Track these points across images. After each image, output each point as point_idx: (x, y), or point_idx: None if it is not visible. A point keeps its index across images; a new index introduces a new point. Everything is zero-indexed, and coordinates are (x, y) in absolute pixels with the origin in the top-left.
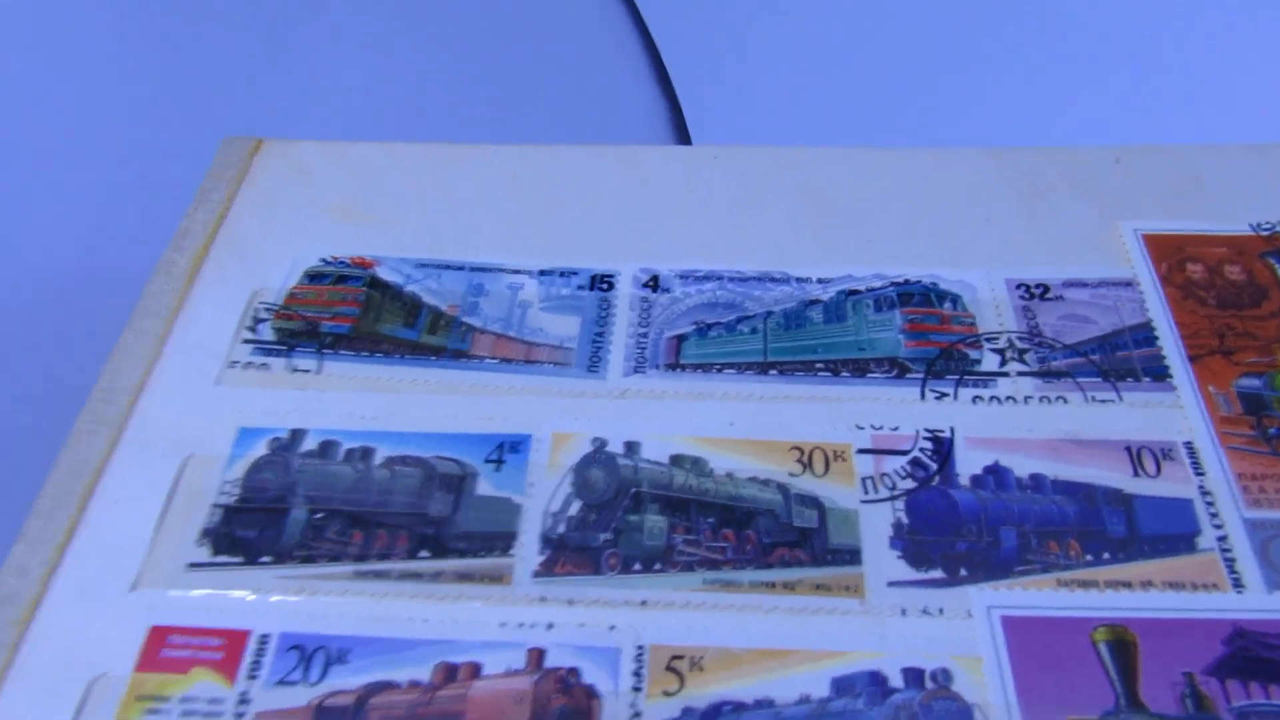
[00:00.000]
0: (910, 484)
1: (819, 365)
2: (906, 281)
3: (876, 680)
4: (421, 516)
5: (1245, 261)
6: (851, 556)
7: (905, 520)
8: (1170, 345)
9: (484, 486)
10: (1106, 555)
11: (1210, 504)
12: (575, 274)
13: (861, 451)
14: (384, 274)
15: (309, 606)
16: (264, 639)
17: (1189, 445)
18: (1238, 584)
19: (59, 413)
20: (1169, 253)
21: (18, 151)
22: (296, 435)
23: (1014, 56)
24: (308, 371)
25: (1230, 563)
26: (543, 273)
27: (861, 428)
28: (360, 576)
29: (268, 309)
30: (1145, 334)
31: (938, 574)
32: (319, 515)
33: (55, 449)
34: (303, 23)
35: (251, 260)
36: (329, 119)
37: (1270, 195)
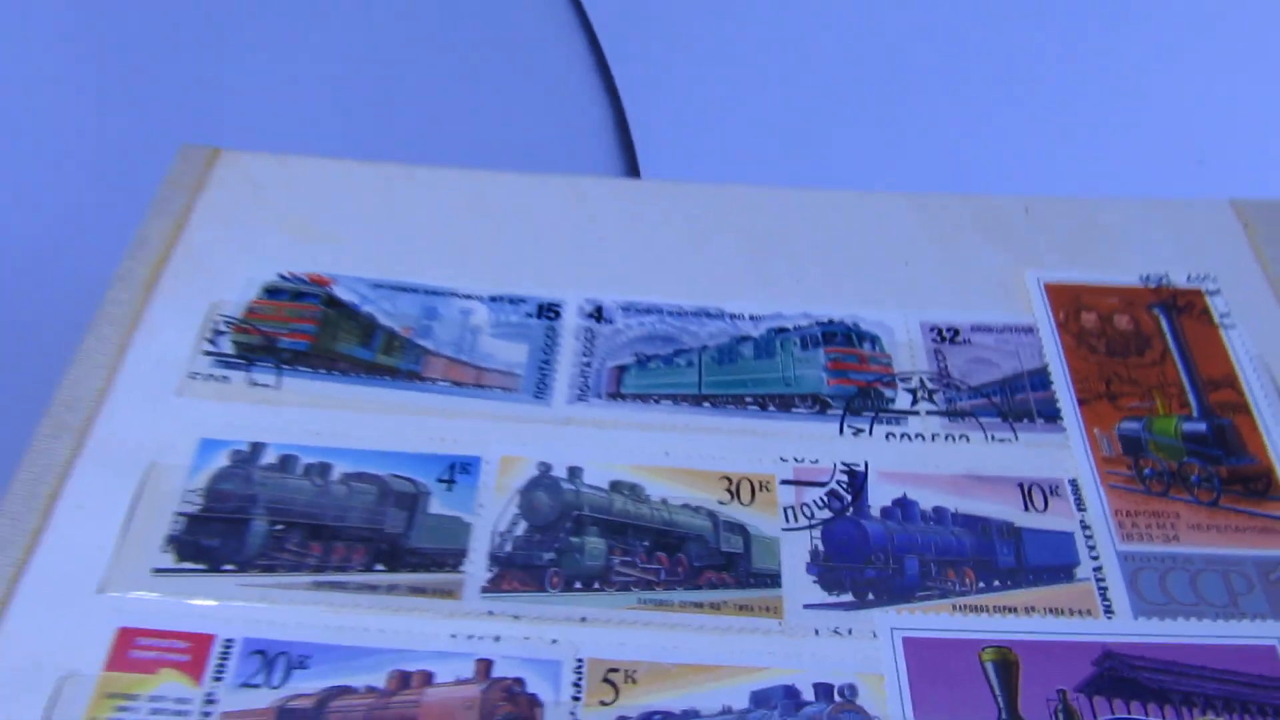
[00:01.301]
0: (826, 514)
1: (748, 399)
2: (830, 322)
3: (790, 694)
4: (377, 531)
5: (1134, 312)
6: (772, 580)
7: (821, 548)
8: (1063, 390)
9: (436, 505)
10: (996, 583)
11: (1089, 537)
12: (523, 301)
13: (784, 483)
14: (340, 293)
15: (270, 614)
16: (228, 643)
17: (1074, 483)
18: (1109, 610)
19: (19, 416)
20: (1067, 301)
21: None
22: (257, 448)
23: (940, 106)
24: (267, 386)
25: (1103, 591)
26: (493, 299)
27: (785, 460)
28: (319, 587)
29: (226, 322)
30: (1041, 379)
31: (848, 598)
32: (279, 526)
33: (15, 454)
34: (263, 32)
35: (210, 272)
36: (287, 129)
37: (1161, 248)
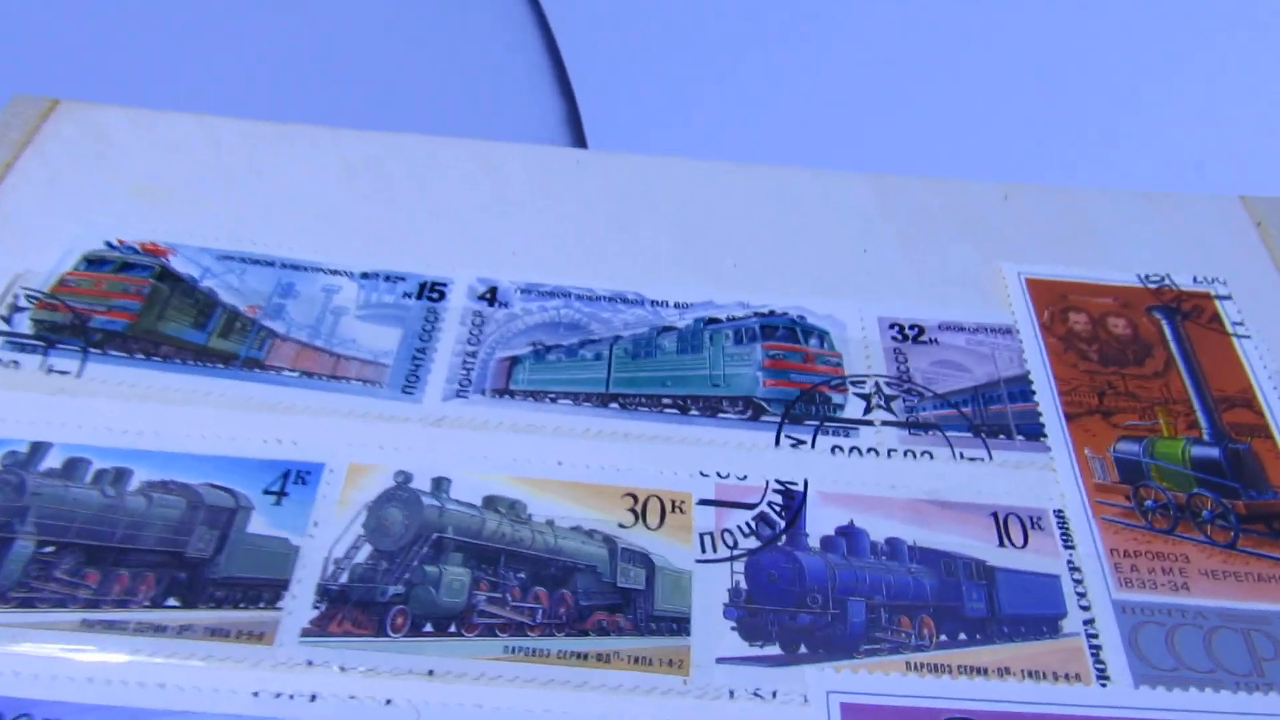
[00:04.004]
0: (753, 543)
1: (666, 401)
2: (771, 313)
3: None
4: (176, 556)
5: (1131, 315)
6: (679, 625)
7: (744, 585)
8: (1047, 401)
9: (257, 523)
10: (962, 636)
11: (1079, 582)
12: (403, 279)
13: (702, 503)
14: (178, 264)
15: (17, 663)
16: None
17: (1060, 514)
18: (1103, 676)
19: None
20: (1052, 300)
21: None
22: (37, 449)
23: (908, 85)
24: (65, 374)
25: (1096, 651)
26: (365, 275)
27: (705, 475)
28: (88, 628)
29: (29, 296)
30: (1022, 387)
31: (774, 650)
32: (49, 549)
33: None
34: None
35: (19, 237)
36: (144, 86)
37: (1160, 245)
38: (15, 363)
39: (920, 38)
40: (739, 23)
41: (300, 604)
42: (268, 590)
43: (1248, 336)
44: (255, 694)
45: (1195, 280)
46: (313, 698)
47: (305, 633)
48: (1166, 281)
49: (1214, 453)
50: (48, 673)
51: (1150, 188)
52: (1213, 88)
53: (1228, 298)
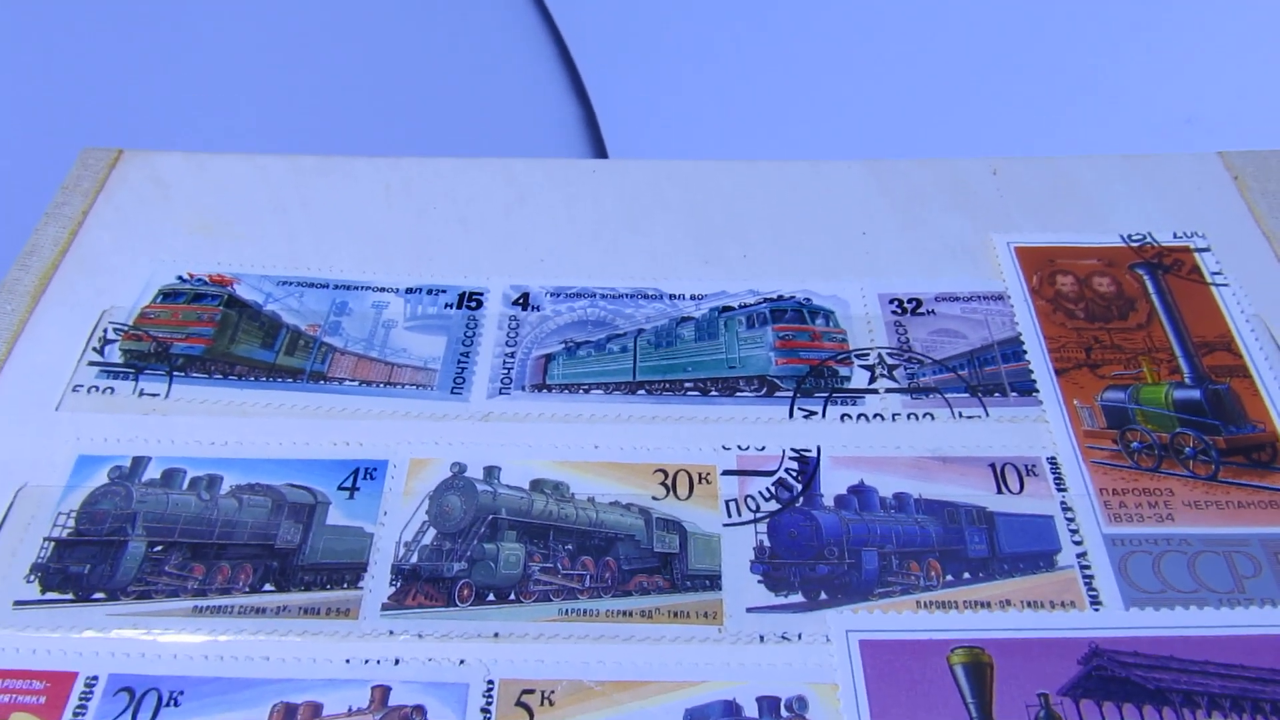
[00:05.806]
0: (774, 505)
1: (688, 384)
2: (779, 298)
3: (730, 710)
4: (267, 548)
5: (1115, 273)
6: (711, 582)
7: (767, 543)
8: (1038, 359)
9: (335, 515)
10: (966, 575)
11: (1071, 520)
12: (443, 291)
13: (726, 473)
14: (242, 292)
15: (142, 646)
16: (91, 681)
17: (1052, 460)
18: (1095, 601)
19: None
20: (1040, 265)
21: None
22: (138, 463)
23: (904, 73)
24: (155, 395)
25: (1089, 580)
26: (409, 290)
27: (728, 448)
28: (199, 613)
29: (117, 329)
30: (1014, 348)
31: (797, 598)
32: (158, 548)
33: None
34: (179, 30)
35: (103, 278)
36: (200, 131)
37: (1143, 206)
38: (110, 389)
39: (911, 30)
40: (738, 26)
41: (378, 583)
42: (349, 573)
43: (1226, 284)
44: (347, 661)
45: (1175, 236)
46: (396, 661)
47: (385, 607)
48: (1148, 239)
49: (1195, 394)
50: (169, 652)
51: (1143, 146)
52: (1199, 42)
53: (1207, 249)
